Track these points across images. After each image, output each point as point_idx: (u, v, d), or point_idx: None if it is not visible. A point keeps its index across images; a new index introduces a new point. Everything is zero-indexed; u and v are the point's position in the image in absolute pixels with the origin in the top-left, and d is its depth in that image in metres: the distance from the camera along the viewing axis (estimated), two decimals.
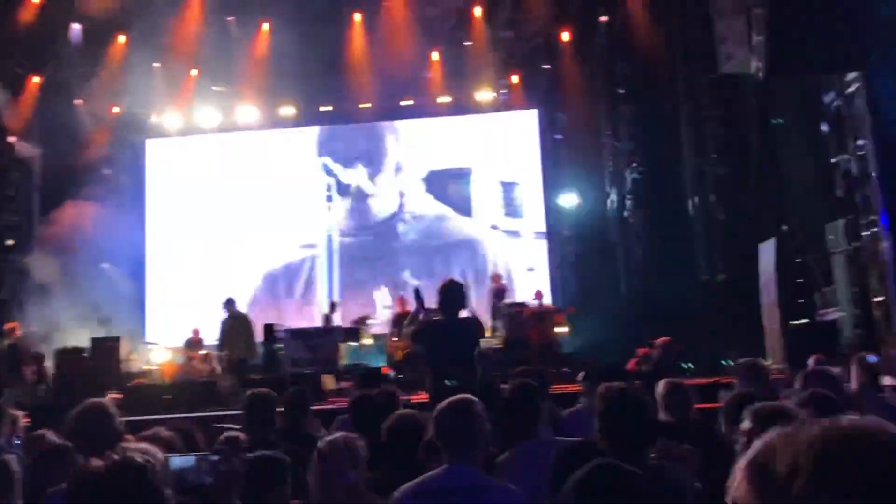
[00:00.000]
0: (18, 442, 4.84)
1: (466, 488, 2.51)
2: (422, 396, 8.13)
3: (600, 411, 2.72)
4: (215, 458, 2.25)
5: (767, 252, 10.54)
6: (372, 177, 15.83)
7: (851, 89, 9.38)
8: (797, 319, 10.26)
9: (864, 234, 9.24)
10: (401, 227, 15.57)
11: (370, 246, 15.52)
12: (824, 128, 10.13)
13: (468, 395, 2.79)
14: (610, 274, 14.02)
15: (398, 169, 15.80)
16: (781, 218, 11.48)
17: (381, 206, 15.72)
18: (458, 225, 15.46)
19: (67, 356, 11.12)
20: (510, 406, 3.46)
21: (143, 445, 2.30)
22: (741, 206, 12.53)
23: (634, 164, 13.96)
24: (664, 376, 4.96)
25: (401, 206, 15.66)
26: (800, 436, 0.85)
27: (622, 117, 14.26)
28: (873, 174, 8.89)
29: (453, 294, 5.12)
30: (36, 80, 14.39)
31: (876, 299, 8.96)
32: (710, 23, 11.05)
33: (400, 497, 2.58)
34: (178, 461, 2.47)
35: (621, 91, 14.25)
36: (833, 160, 9.89)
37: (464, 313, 5.31)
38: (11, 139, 14.17)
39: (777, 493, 0.83)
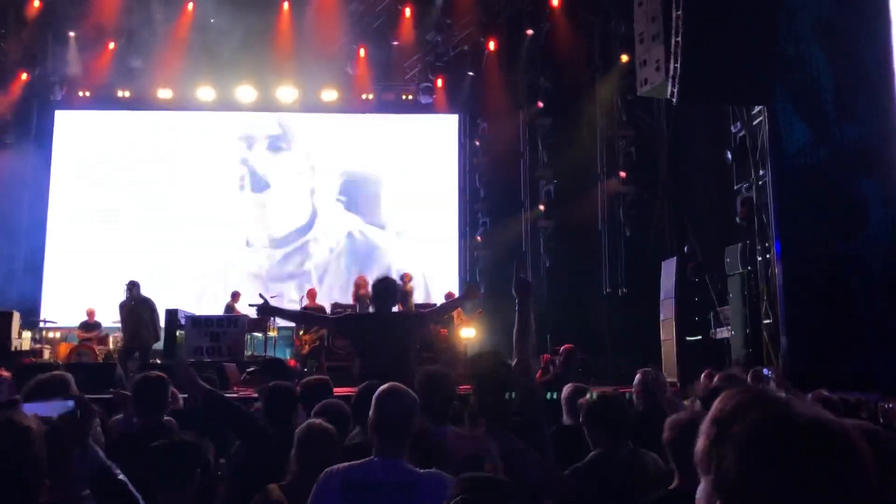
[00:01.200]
0: None
1: (396, 484, 2.52)
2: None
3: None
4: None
5: (669, 269, 11.02)
6: (277, 163, 15.68)
7: (756, 121, 9.93)
8: (692, 336, 10.78)
9: (759, 259, 9.79)
10: (312, 247, 15.47)
11: (279, 262, 15.40)
12: (729, 156, 10.67)
13: (400, 385, 2.82)
14: None
15: (311, 167, 15.71)
16: (683, 238, 12.05)
17: (292, 214, 15.55)
18: (370, 233, 15.48)
19: None
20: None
21: None
22: (647, 223, 13.07)
23: (549, 176, 14.32)
24: (567, 382, 5.18)
25: (313, 216, 15.53)
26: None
27: (540, 129, 14.62)
28: (770, 203, 9.42)
29: (387, 289, 5.19)
30: None
31: (765, 321, 9.51)
32: (630, 46, 11.49)
33: (324, 481, 2.59)
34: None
35: (541, 103, 14.61)
36: (735, 187, 10.43)
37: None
38: None
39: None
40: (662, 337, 10.96)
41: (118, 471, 2.45)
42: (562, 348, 7.07)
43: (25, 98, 14.74)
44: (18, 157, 14.19)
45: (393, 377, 3.73)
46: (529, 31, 14.40)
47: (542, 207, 14.37)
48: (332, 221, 15.52)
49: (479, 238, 15.09)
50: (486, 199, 15.11)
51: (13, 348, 11.86)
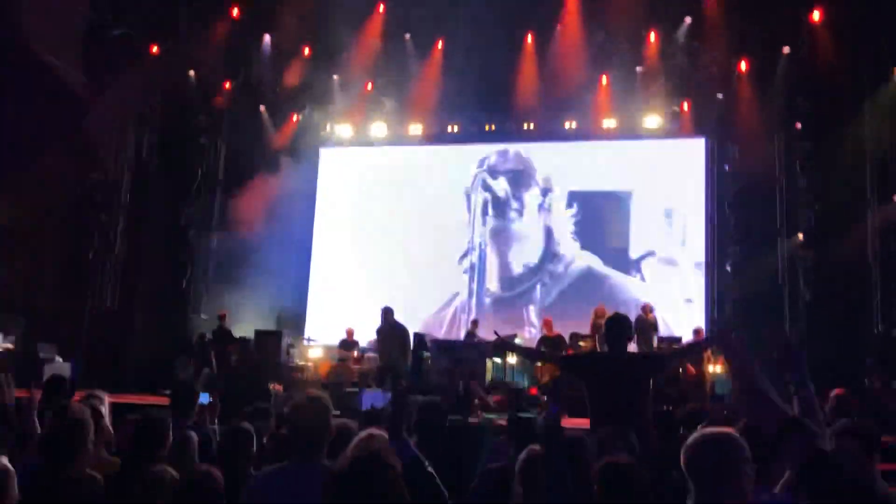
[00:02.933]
0: (214, 426, 5.26)
1: None
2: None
3: None
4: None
5: None
6: (517, 194, 15.92)
7: None
8: None
9: None
10: (546, 279, 15.52)
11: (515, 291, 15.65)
12: None
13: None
14: (773, 316, 13.31)
15: (547, 191, 15.79)
16: None
17: (526, 251, 15.74)
18: (608, 266, 15.22)
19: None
20: None
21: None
22: None
23: (810, 202, 13.24)
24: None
25: (546, 252, 15.60)
26: None
27: (799, 153, 13.57)
28: None
29: (619, 327, 4.98)
30: (227, 85, 15.58)
31: None
32: None
33: None
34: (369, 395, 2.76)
35: (799, 125, 13.58)
36: None
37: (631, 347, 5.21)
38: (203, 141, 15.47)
39: None
40: None
41: (428, 464, 2.61)
42: (832, 394, 6.41)
43: (295, 137, 16.37)
44: (290, 192, 15.72)
45: (622, 422, 3.57)
46: (786, 49, 13.48)
47: (801, 236, 13.29)
48: (568, 257, 15.45)
49: (728, 268, 14.25)
50: (736, 227, 14.24)
51: (282, 364, 13.10)
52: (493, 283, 15.76)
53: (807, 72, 13.16)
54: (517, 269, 15.70)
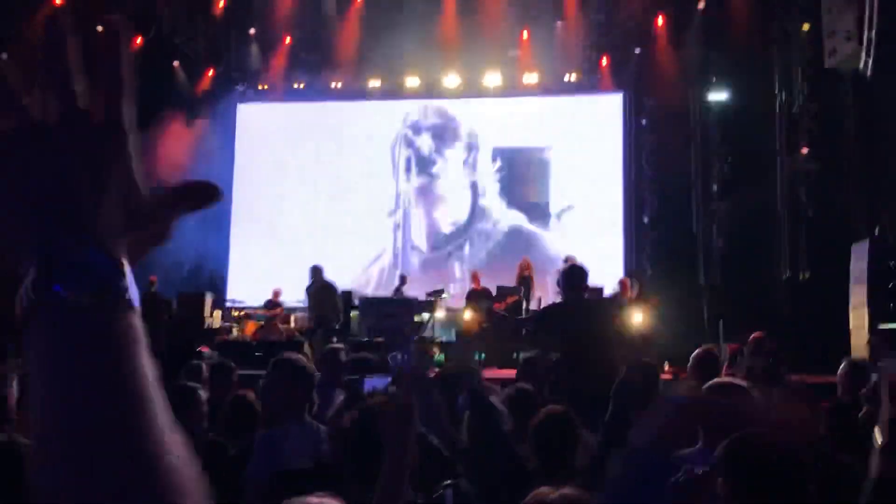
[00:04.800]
0: None
1: None
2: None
3: None
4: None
5: (860, 252, 10.31)
6: (441, 150, 15.95)
7: None
8: (886, 322, 10.03)
9: None
10: (474, 237, 15.66)
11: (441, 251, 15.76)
12: None
13: None
14: (688, 265, 13.86)
15: (472, 147, 15.87)
16: (875, 219, 11.20)
17: (452, 209, 15.82)
18: (532, 221, 15.47)
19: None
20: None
21: None
22: (832, 204, 12.26)
23: (723, 154, 13.74)
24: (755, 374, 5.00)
25: (473, 210, 15.70)
26: None
27: (712, 106, 14.03)
28: None
29: (578, 274, 5.05)
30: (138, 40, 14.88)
31: None
32: (814, 14, 10.80)
33: None
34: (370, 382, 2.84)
35: (714, 79, 14.01)
36: None
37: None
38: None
39: None
40: (852, 325, 10.27)
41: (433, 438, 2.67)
42: (750, 337, 6.77)
43: (212, 92, 15.83)
44: (205, 148, 15.27)
45: (598, 369, 3.69)
46: (701, 4, 13.82)
47: (714, 187, 13.81)
48: (495, 215, 15.62)
49: (645, 220, 14.70)
50: (653, 179, 14.68)
51: (207, 326, 12.89)
52: (421, 241, 15.80)
53: (721, 26, 13.52)
54: (445, 227, 15.78)
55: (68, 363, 0.53)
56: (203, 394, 3.84)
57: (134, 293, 0.58)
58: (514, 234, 15.46)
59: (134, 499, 0.50)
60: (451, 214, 15.81)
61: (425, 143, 16.04)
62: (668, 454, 1.26)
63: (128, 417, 0.52)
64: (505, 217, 15.58)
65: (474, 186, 15.78)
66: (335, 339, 10.82)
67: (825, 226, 12.23)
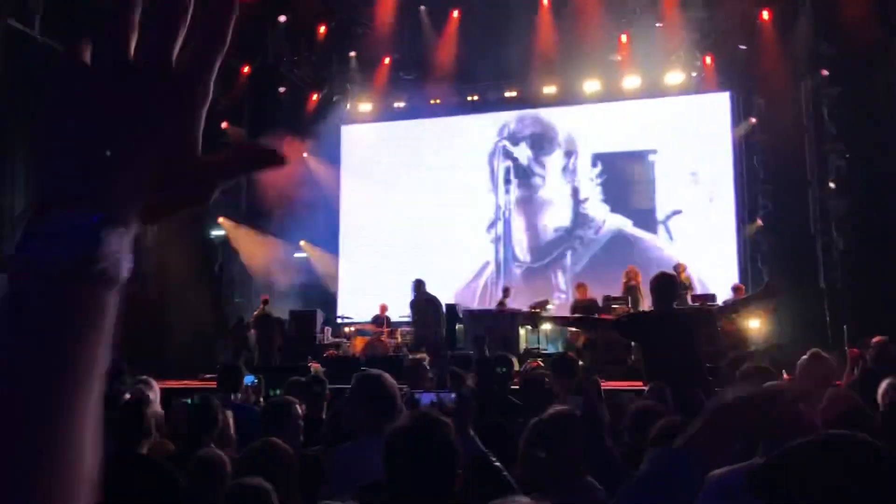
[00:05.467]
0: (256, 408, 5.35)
1: None
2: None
3: None
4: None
5: None
6: (540, 158, 15.82)
7: None
8: None
9: None
10: (576, 244, 15.46)
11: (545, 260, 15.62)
12: None
13: None
14: (807, 267, 13.18)
15: (571, 153, 15.68)
16: None
17: (553, 217, 15.67)
18: (637, 227, 15.12)
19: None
20: None
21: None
22: None
23: (840, 150, 13.03)
24: (883, 378, 4.67)
25: (575, 216, 15.51)
26: None
27: (826, 100, 13.33)
28: None
29: (667, 285, 4.98)
30: (246, 69, 15.57)
31: None
32: None
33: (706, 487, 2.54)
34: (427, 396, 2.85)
35: (825, 72, 13.31)
36: None
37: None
38: (223, 124, 15.43)
39: None
40: None
41: (494, 458, 2.65)
42: (872, 341, 6.38)
43: (317, 116, 16.34)
44: (314, 173, 15.77)
45: (681, 378, 3.58)
46: None
47: (832, 185, 13.10)
48: (598, 220, 15.37)
49: (759, 222, 14.09)
50: (766, 180, 14.07)
51: (318, 342, 13.27)
52: (522, 252, 15.74)
53: (829, 17, 12.87)
54: (547, 235, 15.66)
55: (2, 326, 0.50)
56: (299, 408, 3.93)
57: (122, 264, 0.54)
58: (619, 240, 15.14)
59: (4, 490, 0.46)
60: (551, 223, 15.66)
61: (523, 153, 15.98)
62: (710, 457, 1.19)
63: (39, 400, 0.48)
64: (608, 222, 15.29)
65: (575, 193, 15.58)
66: (442, 353, 10.92)
67: None
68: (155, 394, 5.29)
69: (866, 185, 12.69)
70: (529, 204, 15.87)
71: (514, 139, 16.06)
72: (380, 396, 3.11)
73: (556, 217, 15.66)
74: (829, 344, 10.27)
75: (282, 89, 15.99)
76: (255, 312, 13.45)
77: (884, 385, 4.32)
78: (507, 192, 15.99)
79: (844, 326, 11.72)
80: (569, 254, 15.40)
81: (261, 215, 15.13)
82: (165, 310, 14.22)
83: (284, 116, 15.88)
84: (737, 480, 2.29)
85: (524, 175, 15.95)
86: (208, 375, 11.08)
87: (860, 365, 6.77)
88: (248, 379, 5.75)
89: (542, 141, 15.95)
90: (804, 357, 4.64)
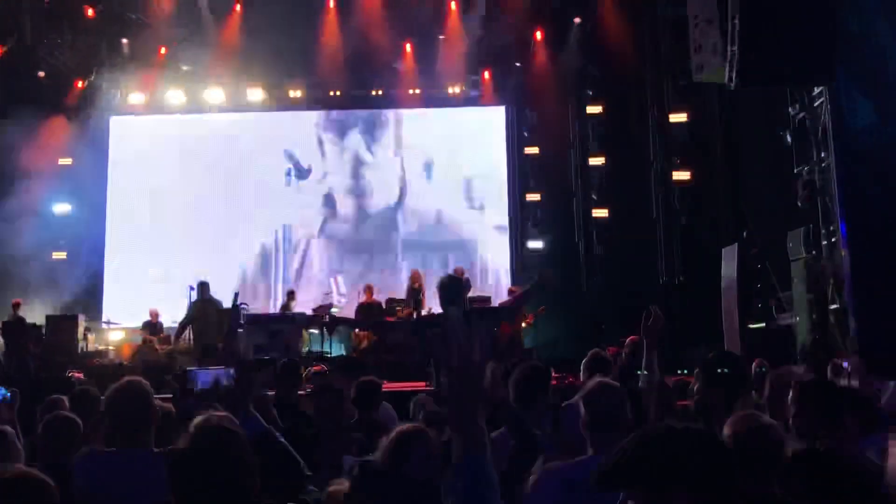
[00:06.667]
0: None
1: None
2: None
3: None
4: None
5: (730, 256, 10.86)
6: (322, 165, 15.81)
7: (817, 102, 9.71)
8: (755, 323, 10.60)
9: (823, 243, 9.59)
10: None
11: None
12: (788, 138, 10.46)
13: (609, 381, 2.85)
14: (571, 271, 14.21)
15: (359, 163, 15.82)
16: (742, 224, 11.85)
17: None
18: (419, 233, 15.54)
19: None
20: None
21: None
22: (703, 210, 12.89)
23: (601, 164, 14.21)
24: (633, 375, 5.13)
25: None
26: None
27: (590, 117, 14.48)
28: (835, 186, 9.22)
29: (454, 288, 5.11)
30: None
31: (832, 306, 9.31)
32: (683, 30, 11.33)
33: (544, 480, 2.61)
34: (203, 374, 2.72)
35: (590, 92, 14.48)
36: (796, 170, 10.22)
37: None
38: None
39: None
40: (724, 325, 10.80)
41: (279, 434, 2.54)
42: (627, 340, 6.99)
43: (81, 106, 15.04)
44: (76, 164, 14.54)
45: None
46: (577, 19, 14.28)
47: (594, 196, 14.25)
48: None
49: (529, 229, 14.97)
50: (536, 190, 14.98)
51: (80, 350, 12.21)
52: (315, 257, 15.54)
53: (596, 40, 14.01)
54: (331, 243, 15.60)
55: None
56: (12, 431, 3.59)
57: None
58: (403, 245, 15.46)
59: None
60: (340, 231, 15.64)
61: (309, 153, 15.81)
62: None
63: None
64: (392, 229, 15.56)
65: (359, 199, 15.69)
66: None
67: (697, 232, 12.84)
68: None
69: (623, 194, 13.94)
70: (314, 197, 15.70)
71: (297, 142, 15.81)
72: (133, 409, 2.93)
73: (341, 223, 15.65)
74: (590, 344, 11.12)
75: (41, 74, 14.53)
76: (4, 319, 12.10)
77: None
78: (289, 186, 15.67)
79: (603, 326, 12.78)
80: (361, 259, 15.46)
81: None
82: None
83: (44, 102, 14.44)
84: (579, 474, 2.41)
85: (303, 178, 15.73)
86: None
87: (616, 361, 7.39)
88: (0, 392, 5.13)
89: (324, 145, 15.85)
90: (588, 355, 4.98)
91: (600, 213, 14.14)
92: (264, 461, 2.37)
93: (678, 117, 13.22)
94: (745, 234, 11.45)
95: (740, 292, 10.51)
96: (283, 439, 2.59)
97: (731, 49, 9.09)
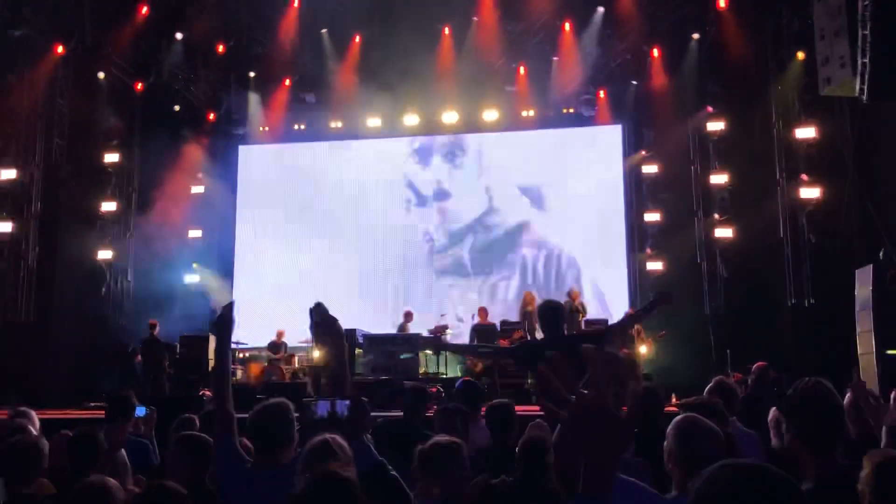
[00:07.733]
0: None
1: None
2: None
3: None
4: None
5: (864, 278, 10.24)
6: (442, 189, 16.02)
7: None
8: (893, 349, 9.93)
9: None
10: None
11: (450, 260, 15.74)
12: None
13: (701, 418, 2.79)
14: (693, 293, 13.76)
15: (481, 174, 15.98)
16: (877, 244, 11.15)
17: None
18: (539, 252, 15.49)
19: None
20: None
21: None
22: (833, 229, 12.23)
23: (724, 183, 13.76)
24: (762, 403, 4.92)
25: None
26: None
27: (711, 134, 14.06)
28: None
29: (553, 313, 5.01)
30: (139, 86, 15.09)
31: None
32: (808, 43, 10.87)
33: None
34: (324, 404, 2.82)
35: (711, 109, 14.06)
36: None
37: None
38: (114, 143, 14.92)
39: None
40: (859, 351, 10.17)
41: (390, 467, 2.63)
42: (753, 366, 6.72)
43: (212, 136, 15.95)
44: (209, 193, 15.39)
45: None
46: (695, 35, 13.94)
47: (716, 216, 13.79)
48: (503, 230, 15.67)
49: (648, 251, 14.63)
50: (654, 209, 14.64)
51: (209, 369, 12.82)
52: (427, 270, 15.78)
53: (715, 56, 13.63)
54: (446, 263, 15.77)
55: None
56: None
57: None
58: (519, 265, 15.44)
59: None
60: (455, 248, 15.81)
61: (426, 179, 16.09)
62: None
63: None
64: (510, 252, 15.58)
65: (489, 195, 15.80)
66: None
67: (828, 252, 12.19)
68: (35, 426, 5.00)
69: (748, 213, 13.41)
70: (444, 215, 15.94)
71: (424, 162, 16.14)
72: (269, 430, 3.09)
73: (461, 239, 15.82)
74: (714, 369, 10.72)
75: (177, 107, 15.54)
76: (143, 339, 12.91)
77: (773, 412, 4.49)
78: (417, 208, 16.00)
79: (727, 351, 12.31)
80: (476, 283, 15.56)
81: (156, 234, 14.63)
82: (42, 333, 13.48)
83: (179, 135, 15.45)
84: None
85: (425, 201, 16.02)
86: (93, 404, 10.57)
87: (742, 388, 7.11)
88: (140, 410, 5.49)
89: (449, 164, 16.10)
90: (712, 383, 4.78)
91: (724, 232, 13.66)
92: (374, 493, 2.45)
93: (805, 132, 12.63)
94: (881, 254, 10.76)
95: (876, 316, 9.88)
96: (394, 472, 2.65)
97: (861, 61, 8.65)
